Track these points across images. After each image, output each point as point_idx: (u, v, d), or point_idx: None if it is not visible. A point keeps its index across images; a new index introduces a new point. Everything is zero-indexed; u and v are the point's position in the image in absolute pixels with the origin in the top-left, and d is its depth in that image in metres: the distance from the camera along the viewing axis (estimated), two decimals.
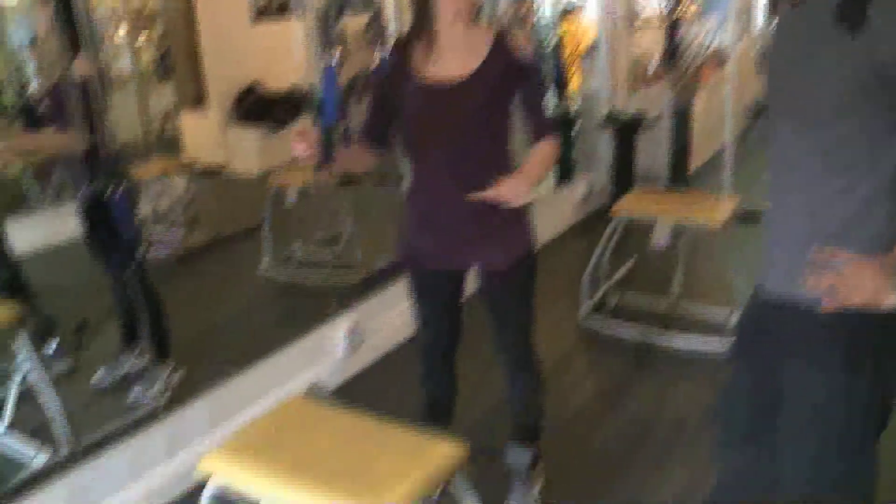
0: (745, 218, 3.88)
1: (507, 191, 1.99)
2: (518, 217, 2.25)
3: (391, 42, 2.34)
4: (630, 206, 3.96)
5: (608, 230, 3.98)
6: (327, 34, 4.22)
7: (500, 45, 2.14)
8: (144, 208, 4.59)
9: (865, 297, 1.45)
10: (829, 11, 1.45)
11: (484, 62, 2.13)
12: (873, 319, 1.54)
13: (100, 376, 3.04)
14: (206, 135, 6.39)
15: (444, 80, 2.14)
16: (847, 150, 1.54)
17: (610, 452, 2.96)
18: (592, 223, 5.40)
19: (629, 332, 3.89)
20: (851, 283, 1.46)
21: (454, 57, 2.13)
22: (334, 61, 5.38)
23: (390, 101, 2.22)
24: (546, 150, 2.19)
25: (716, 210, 3.78)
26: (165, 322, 3.07)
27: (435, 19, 2.11)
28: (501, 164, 2.19)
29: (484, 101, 2.13)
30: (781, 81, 1.67)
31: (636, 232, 4.00)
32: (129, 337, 3.10)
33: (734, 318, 3.54)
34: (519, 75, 2.15)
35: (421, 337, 2.52)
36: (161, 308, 3.05)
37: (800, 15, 1.62)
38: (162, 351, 3.01)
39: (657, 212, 3.80)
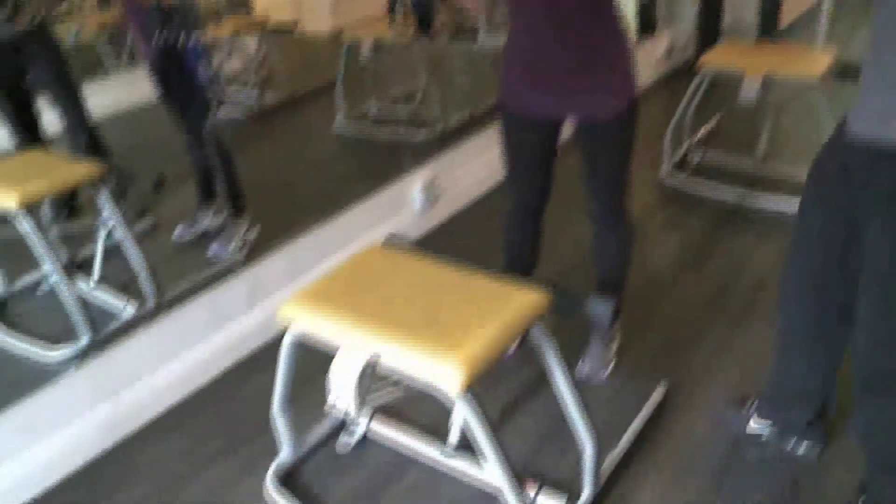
0: (842, 73, 3.64)
1: None
2: (621, 65, 2.17)
3: None
4: (717, 58, 3.76)
5: (693, 84, 3.80)
6: None
7: None
8: (217, 69, 4.57)
9: None
10: None
11: None
12: None
13: (179, 233, 3.09)
14: None
15: None
16: None
17: (687, 313, 2.91)
18: (675, 79, 5.19)
19: (712, 190, 3.76)
20: None
21: None
22: None
23: None
24: None
25: (810, 63, 3.56)
26: (239, 180, 3.07)
27: None
28: (603, 5, 2.09)
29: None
30: None
31: (722, 87, 3.81)
32: (206, 195, 3.13)
33: None
34: None
35: (509, 191, 2.49)
36: (233, 164, 3.05)
37: None
38: (238, 208, 3.04)
39: (746, 65, 3.60)
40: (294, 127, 4.57)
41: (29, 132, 2.90)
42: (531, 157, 2.37)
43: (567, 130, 2.34)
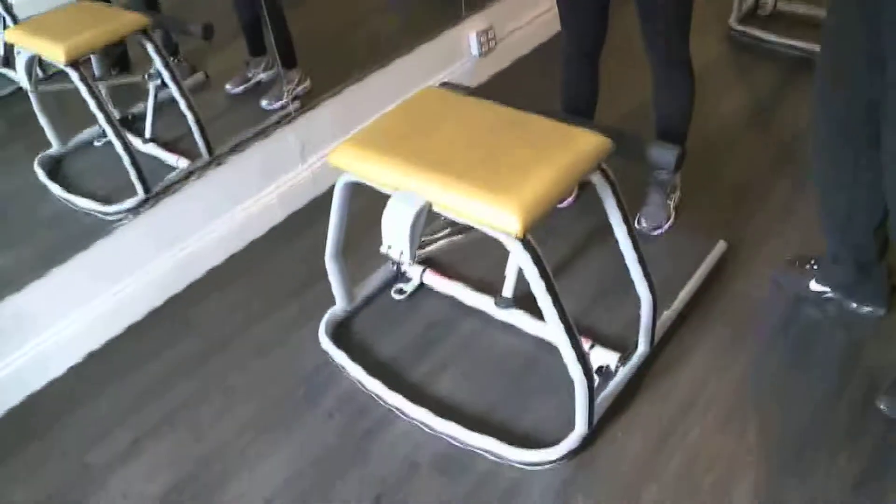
0: None
1: None
2: None
3: None
4: None
5: None
6: None
7: None
8: None
9: None
10: None
11: None
12: None
13: (231, 87, 3.03)
14: None
15: None
16: None
17: (750, 172, 2.78)
18: None
19: (783, 40, 3.55)
20: None
21: None
22: None
23: None
24: None
25: None
26: (289, 31, 2.97)
27: None
28: None
29: None
30: None
31: None
32: (256, 48, 3.05)
33: None
34: None
35: (564, 37, 2.39)
36: (283, 15, 2.95)
37: None
38: (289, 60, 2.95)
39: None
40: None
41: None
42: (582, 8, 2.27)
43: None
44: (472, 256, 2.42)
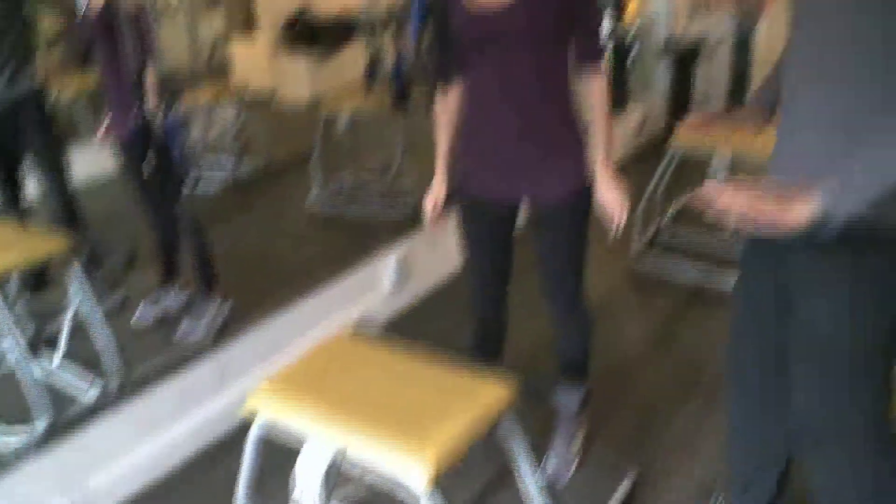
0: None
1: (615, 205, 2.11)
2: (574, 148, 2.17)
3: None
4: (687, 137, 3.82)
5: (663, 162, 3.86)
6: None
7: None
8: (194, 137, 4.59)
9: (787, 218, 1.45)
10: None
11: None
12: (879, 243, 1.55)
13: (141, 312, 3.04)
14: (255, 61, 6.31)
15: (489, 5, 2.01)
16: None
17: (656, 398, 2.90)
18: (647, 154, 5.26)
19: (682, 270, 3.80)
20: (775, 206, 1.46)
21: None
22: None
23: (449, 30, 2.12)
24: (604, 104, 2.13)
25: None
26: (211, 255, 3.06)
27: None
28: (558, 91, 2.11)
29: (531, 28, 2.01)
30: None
31: (693, 164, 3.87)
32: (170, 272, 3.10)
33: None
34: None
35: (470, 275, 2.46)
36: (206, 240, 3.04)
37: None
38: (208, 284, 3.02)
39: (715, 143, 3.66)
40: (269, 199, 4.58)
41: (11, 197, 2.89)
42: (489, 241, 2.35)
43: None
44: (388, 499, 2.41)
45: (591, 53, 2.12)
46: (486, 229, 2.34)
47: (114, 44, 2.79)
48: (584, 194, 2.20)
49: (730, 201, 1.51)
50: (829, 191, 1.44)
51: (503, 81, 2.09)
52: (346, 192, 4.38)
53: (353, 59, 5.71)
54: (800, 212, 1.45)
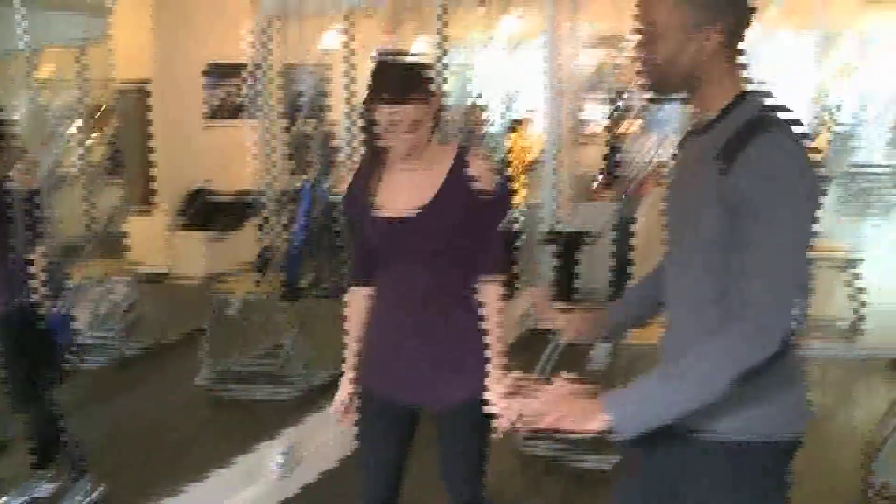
0: None
1: (502, 410, 2.04)
2: (472, 355, 2.20)
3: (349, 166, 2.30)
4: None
5: (547, 350, 4.00)
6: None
7: (459, 171, 2.08)
8: (82, 312, 4.53)
9: (563, 421, 1.46)
10: (716, 150, 1.51)
11: (439, 192, 2.07)
12: (765, 451, 1.58)
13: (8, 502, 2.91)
14: (151, 237, 6.38)
15: (396, 213, 2.08)
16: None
17: None
18: (533, 340, 5.42)
19: (568, 453, 3.87)
20: (549, 408, 1.47)
21: (407, 187, 2.08)
22: (309, 182, 5.41)
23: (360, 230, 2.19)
24: (496, 310, 2.18)
25: (656, 329, 3.81)
26: (81, 441, 2.96)
27: (385, 149, 2.05)
28: (455, 301, 2.17)
29: (437, 235, 2.09)
30: (671, 204, 1.73)
31: (577, 350, 4.02)
32: (42, 460, 2.97)
33: None
34: (477, 205, 2.09)
35: (363, 468, 2.38)
36: (67, 427, 2.94)
37: (695, 148, 1.65)
38: (79, 470, 2.91)
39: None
40: (157, 377, 4.52)
41: None
42: (385, 440, 2.32)
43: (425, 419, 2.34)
44: None
45: (489, 268, 2.19)
46: (384, 428, 2.31)
47: (2, 224, 2.76)
48: (481, 401, 2.20)
49: (507, 407, 1.54)
50: (616, 404, 1.46)
51: (402, 288, 2.15)
52: (236, 373, 4.36)
53: (249, 238, 5.83)
54: (583, 421, 1.45)
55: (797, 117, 1.51)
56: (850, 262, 5.27)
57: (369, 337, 2.29)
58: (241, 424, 3.81)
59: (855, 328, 5.18)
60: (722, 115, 1.53)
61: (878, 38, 10.35)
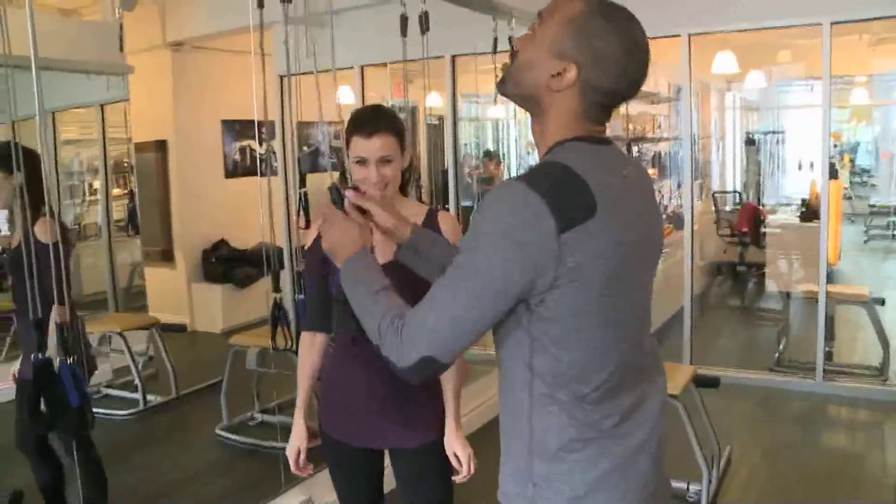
0: (702, 382, 3.83)
1: (463, 457, 2.14)
2: (429, 401, 2.21)
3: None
4: None
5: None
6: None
7: (429, 226, 2.09)
8: (104, 365, 4.56)
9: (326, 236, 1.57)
10: None
11: None
12: None
13: None
14: (171, 290, 6.43)
15: None
16: None
17: None
18: None
19: None
20: None
21: (376, 239, 2.00)
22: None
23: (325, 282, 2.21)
24: (456, 367, 2.13)
25: (672, 378, 3.78)
26: (104, 493, 2.95)
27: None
28: None
29: (402, 288, 2.09)
30: None
31: None
32: None
33: (693, 490, 3.51)
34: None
35: None
36: (102, 476, 2.94)
37: None
38: None
39: None
40: (176, 429, 4.53)
41: None
42: (355, 483, 2.32)
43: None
44: None
45: None
46: (352, 473, 2.31)
47: (23, 282, 2.78)
48: (440, 444, 2.21)
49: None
50: (352, 263, 1.59)
51: (361, 339, 2.14)
52: (256, 425, 4.36)
53: (266, 291, 5.84)
54: (335, 247, 1.61)
55: (582, 172, 1.30)
56: (874, 303, 5.20)
57: (326, 384, 2.29)
58: (260, 475, 3.78)
59: (882, 370, 5.10)
60: (544, 156, 1.41)
61: (890, 81, 10.39)
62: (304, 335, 2.29)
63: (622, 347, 1.38)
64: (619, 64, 1.35)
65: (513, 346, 1.38)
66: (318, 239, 2.18)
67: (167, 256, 6.54)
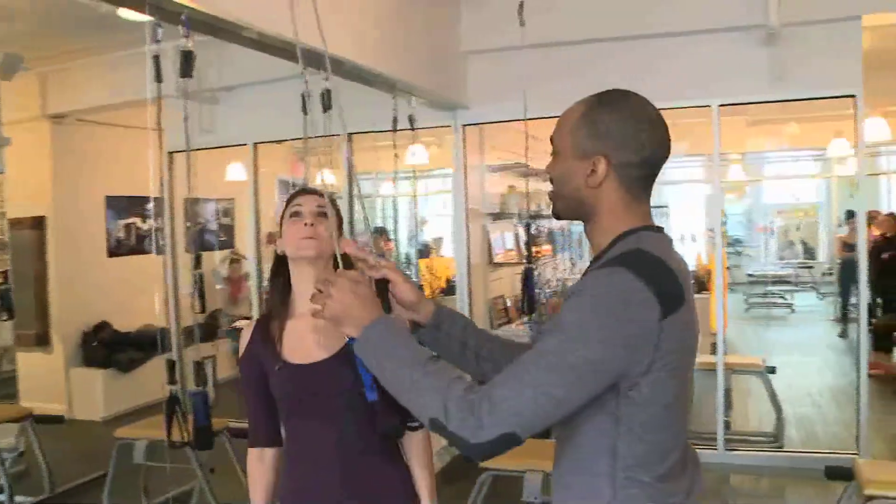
0: None
1: None
2: (400, 494, 2.06)
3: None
4: (497, 460, 3.83)
5: (477, 485, 3.83)
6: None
7: None
8: None
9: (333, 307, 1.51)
10: None
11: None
12: None
13: None
14: (46, 376, 6.00)
15: (304, 361, 1.96)
16: None
17: None
18: (462, 469, 5.22)
19: None
20: None
21: (313, 333, 1.97)
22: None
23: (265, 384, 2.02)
24: (423, 454, 2.05)
25: None
26: None
27: (292, 295, 2.00)
28: (377, 444, 2.00)
29: (349, 380, 1.89)
30: None
31: (510, 482, 3.87)
32: None
33: None
34: None
35: None
36: None
37: None
38: None
39: (528, 464, 3.69)
40: None
41: None
42: None
43: None
44: None
45: (411, 416, 2.09)
46: None
47: None
48: None
49: None
50: (371, 335, 1.49)
51: (323, 436, 1.98)
52: None
53: (151, 377, 5.50)
54: (343, 319, 1.51)
55: (666, 260, 1.38)
56: (765, 372, 5.33)
57: (286, 494, 2.08)
58: None
59: (777, 436, 5.20)
60: (606, 250, 1.44)
61: (763, 158, 10.97)
62: (252, 451, 2.08)
63: (685, 427, 1.47)
64: (637, 137, 1.41)
65: (592, 430, 1.40)
66: (252, 343, 2.04)
67: (42, 340, 6.14)
